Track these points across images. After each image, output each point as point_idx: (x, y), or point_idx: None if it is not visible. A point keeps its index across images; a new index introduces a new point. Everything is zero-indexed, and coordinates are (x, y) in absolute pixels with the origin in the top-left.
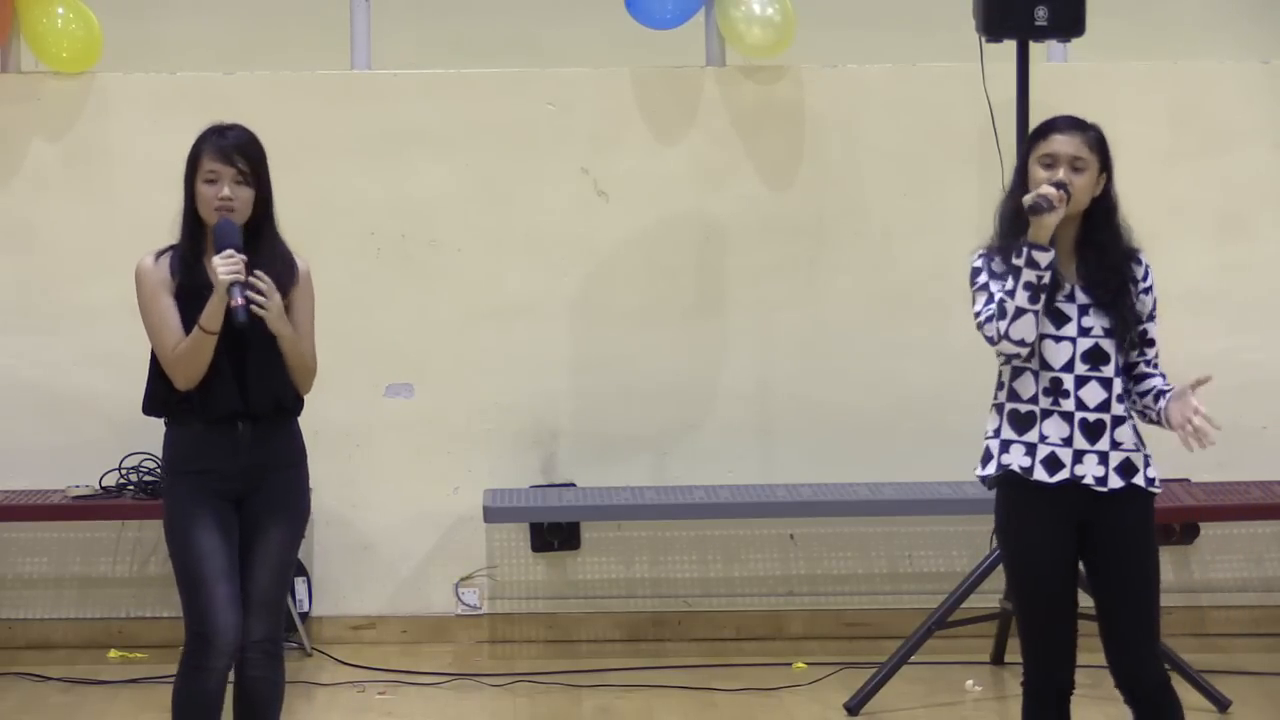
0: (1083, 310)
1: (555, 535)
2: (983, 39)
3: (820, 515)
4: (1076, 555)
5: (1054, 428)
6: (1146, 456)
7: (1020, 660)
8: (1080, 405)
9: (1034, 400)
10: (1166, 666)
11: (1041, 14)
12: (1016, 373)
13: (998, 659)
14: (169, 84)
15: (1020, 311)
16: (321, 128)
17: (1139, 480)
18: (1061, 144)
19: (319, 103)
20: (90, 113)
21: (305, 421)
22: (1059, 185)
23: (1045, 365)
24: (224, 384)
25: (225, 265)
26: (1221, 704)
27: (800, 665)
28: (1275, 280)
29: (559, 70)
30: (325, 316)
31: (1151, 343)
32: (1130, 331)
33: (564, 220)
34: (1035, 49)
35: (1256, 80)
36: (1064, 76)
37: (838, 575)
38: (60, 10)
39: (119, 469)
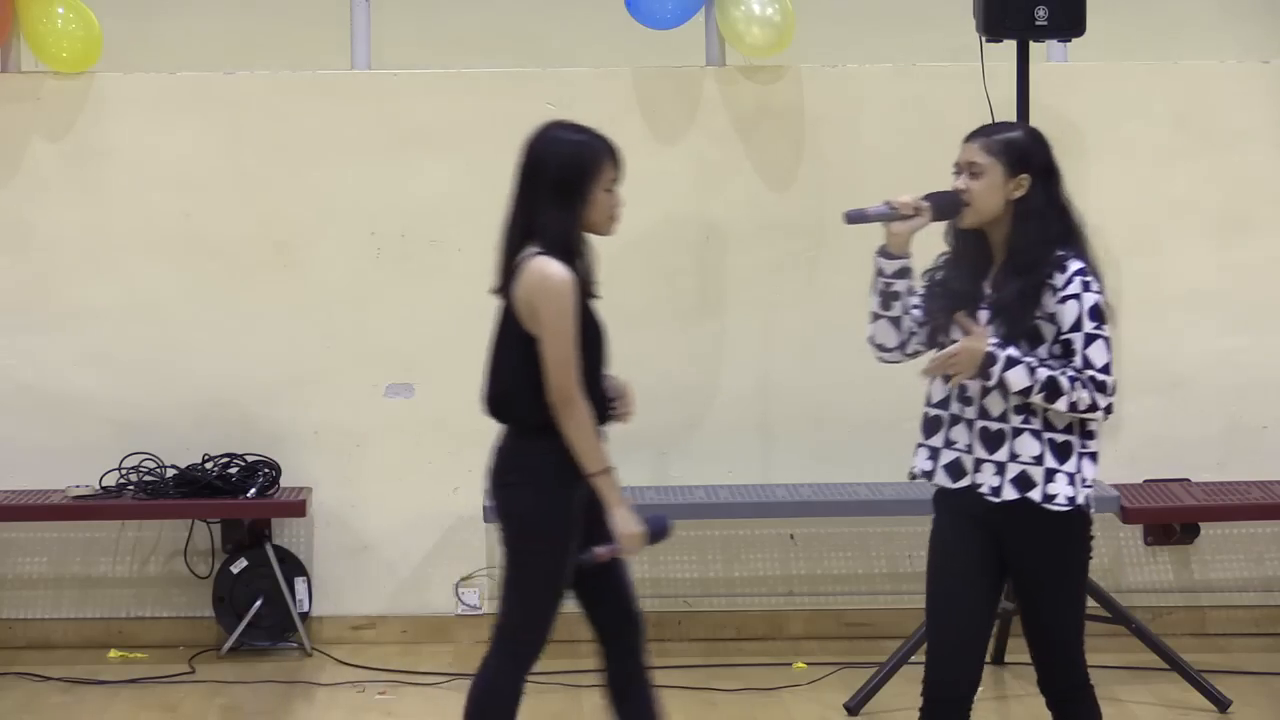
0: (991, 318)
1: None
2: (983, 39)
3: (820, 515)
4: (990, 563)
5: (961, 434)
6: (1050, 471)
7: (1021, 660)
8: (982, 413)
9: (943, 405)
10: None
11: (1041, 14)
12: (932, 377)
13: (998, 659)
14: (169, 84)
15: (873, 316)
16: (321, 128)
17: (1035, 495)
18: (961, 151)
19: (319, 103)
20: (90, 113)
21: (305, 421)
22: (930, 195)
23: None
24: (599, 388)
25: None
26: (1221, 704)
27: (800, 665)
28: (1275, 280)
29: (559, 70)
30: (325, 316)
31: (1074, 353)
32: (1014, 344)
33: None
34: (1035, 49)
35: (1257, 80)
36: (1064, 76)
37: (838, 575)
38: (60, 10)
39: (119, 469)
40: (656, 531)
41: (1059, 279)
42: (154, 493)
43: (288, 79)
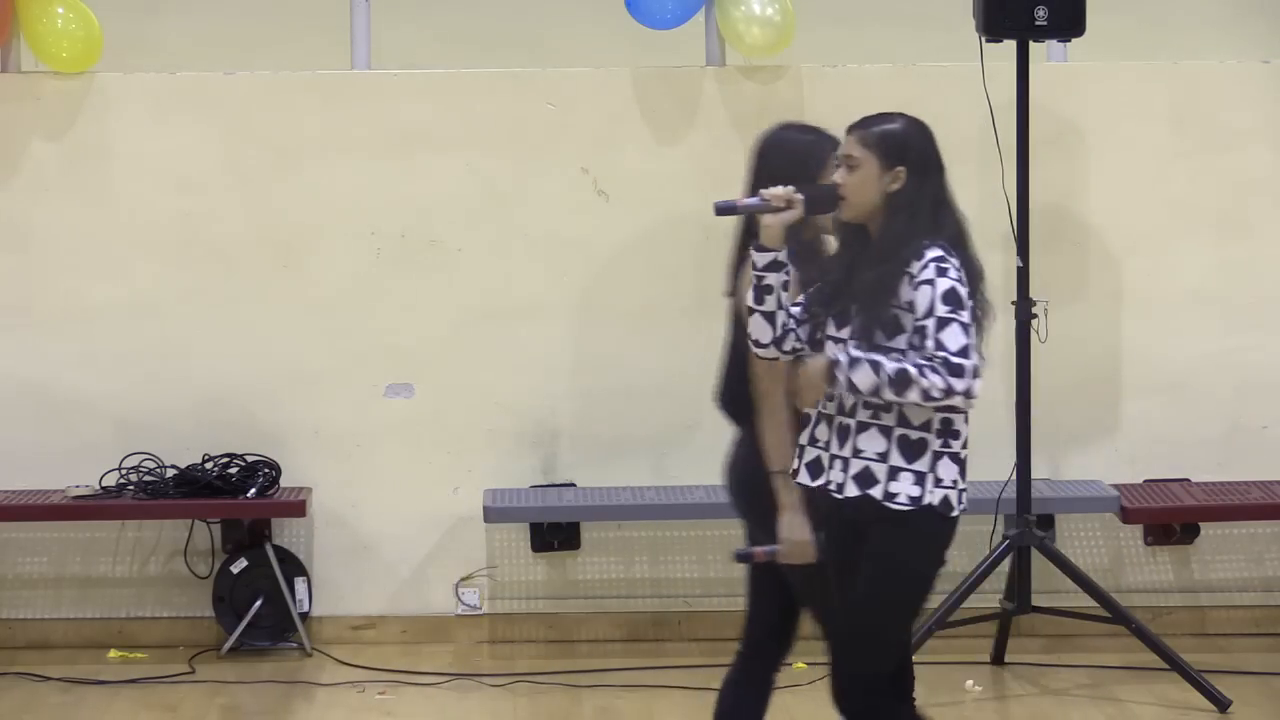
0: (858, 311)
1: (555, 535)
2: (983, 39)
3: None
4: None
5: (824, 430)
6: (895, 469)
7: (1021, 660)
8: (840, 409)
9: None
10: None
11: (1041, 14)
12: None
13: (998, 659)
14: (169, 84)
15: (749, 310)
16: (321, 128)
17: (875, 492)
18: (843, 143)
19: (319, 103)
20: (90, 113)
21: (305, 421)
22: (804, 188)
23: None
24: None
25: None
26: (1221, 704)
27: (800, 665)
28: (1275, 280)
29: (559, 70)
30: (325, 316)
31: (926, 338)
32: (871, 335)
33: (564, 220)
34: (1035, 49)
35: (1257, 80)
36: (1064, 76)
37: None
38: (60, 10)
39: (119, 469)
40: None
41: (915, 266)
42: (154, 493)
43: (288, 79)
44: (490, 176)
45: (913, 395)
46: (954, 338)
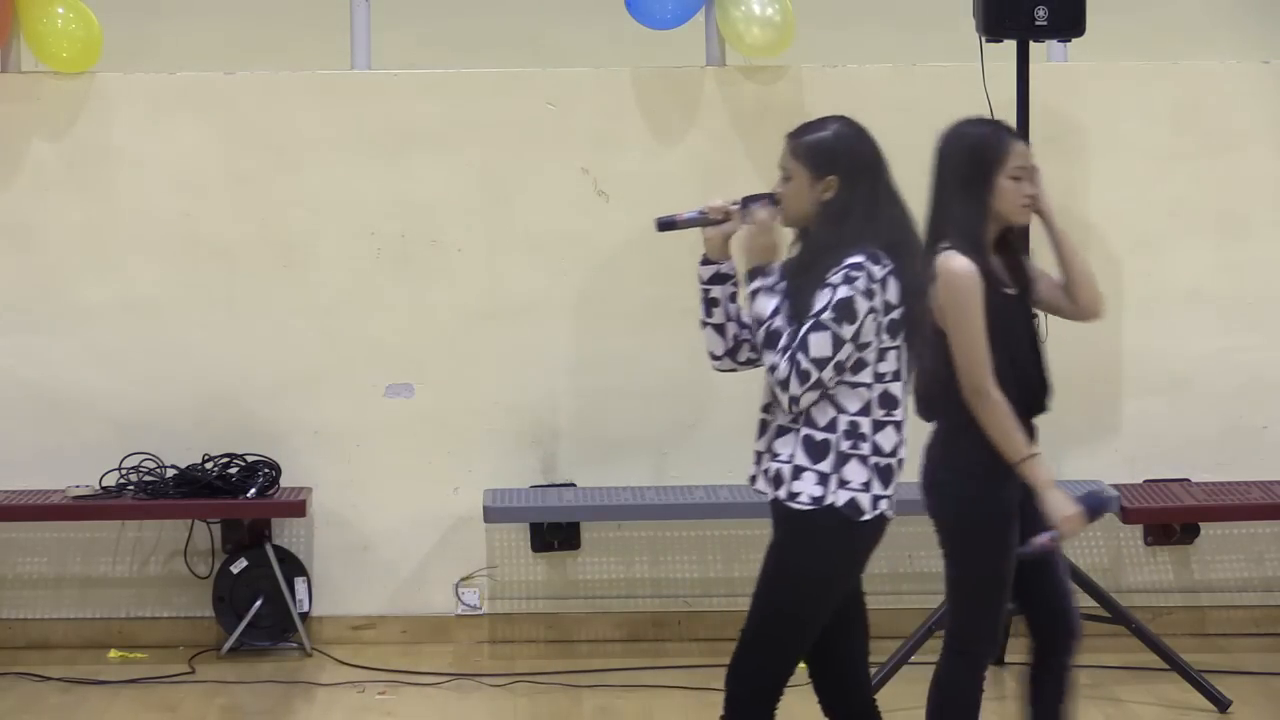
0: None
1: (555, 535)
2: (983, 39)
3: None
4: None
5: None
6: (799, 469)
7: (1020, 661)
8: (767, 411)
9: (766, 409)
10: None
11: (1041, 14)
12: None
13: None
14: (169, 84)
15: (701, 323)
16: (321, 128)
17: (782, 493)
18: (780, 155)
19: (319, 103)
20: (90, 113)
21: (305, 421)
22: (746, 199)
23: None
24: (1026, 377)
25: None
26: (1221, 704)
27: (800, 665)
28: (1275, 280)
29: (559, 70)
30: (325, 316)
31: (797, 334)
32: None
33: (564, 220)
34: (1035, 49)
35: (1257, 80)
36: (1064, 76)
37: None
38: (60, 10)
39: (119, 469)
40: (1094, 508)
41: (831, 273)
42: (154, 493)
43: (288, 79)
44: (490, 176)
45: (766, 358)
46: (819, 345)
